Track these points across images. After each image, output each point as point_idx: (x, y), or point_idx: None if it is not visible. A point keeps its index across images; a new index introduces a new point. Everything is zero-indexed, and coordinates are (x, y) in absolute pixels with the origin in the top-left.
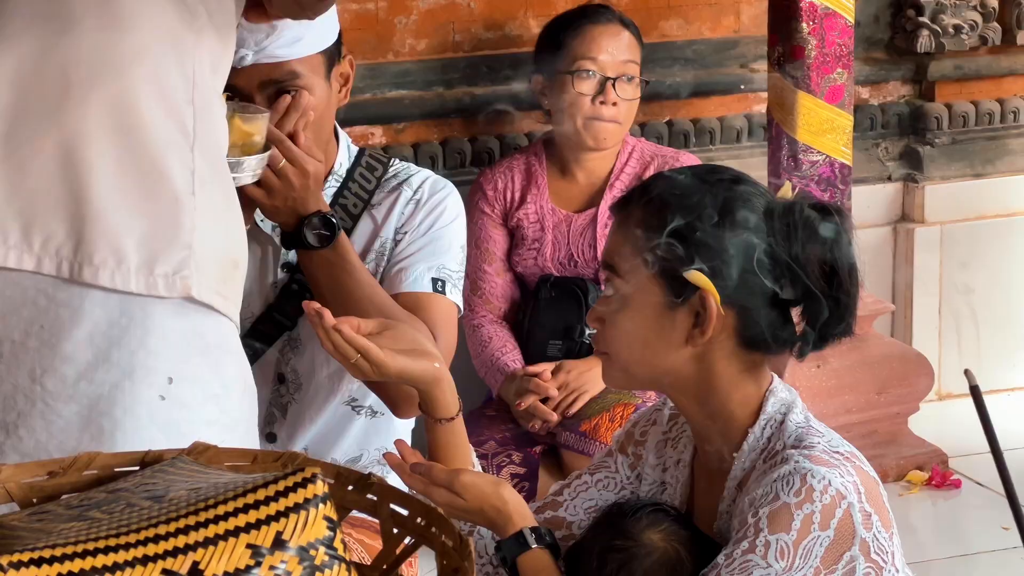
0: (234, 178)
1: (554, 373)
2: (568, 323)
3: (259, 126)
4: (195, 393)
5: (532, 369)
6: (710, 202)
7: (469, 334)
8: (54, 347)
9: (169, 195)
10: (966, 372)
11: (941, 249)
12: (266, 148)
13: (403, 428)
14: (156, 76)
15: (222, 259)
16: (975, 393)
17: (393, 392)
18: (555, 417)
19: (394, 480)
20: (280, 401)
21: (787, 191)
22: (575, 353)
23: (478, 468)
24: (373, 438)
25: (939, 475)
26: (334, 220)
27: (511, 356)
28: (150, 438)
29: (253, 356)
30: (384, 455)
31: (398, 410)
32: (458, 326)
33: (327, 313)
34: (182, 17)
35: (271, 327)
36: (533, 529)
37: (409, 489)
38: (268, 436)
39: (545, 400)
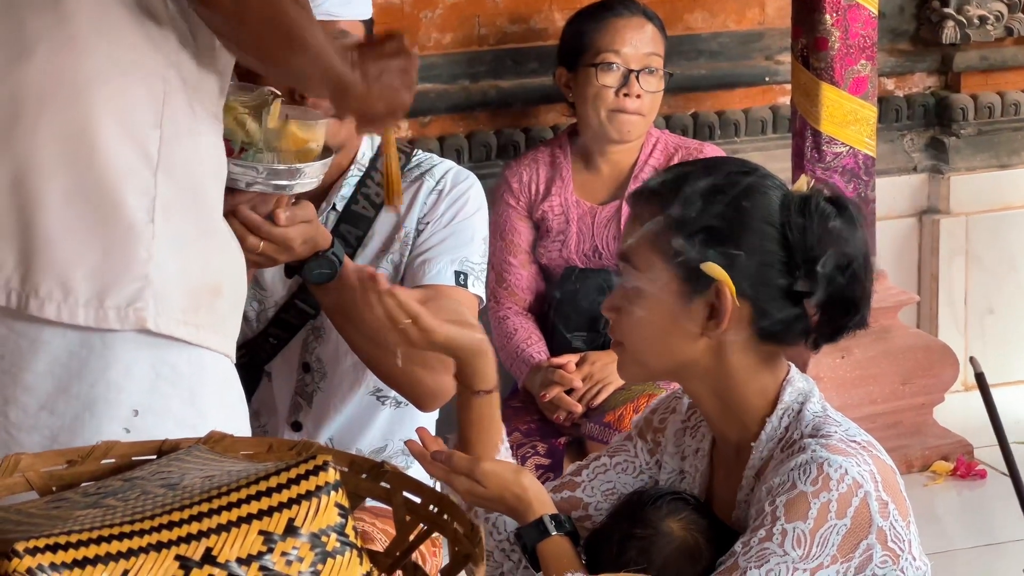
0: (290, 186)
1: (578, 364)
2: (593, 315)
3: (316, 133)
4: (164, 425)
5: (557, 360)
6: (726, 194)
7: (495, 326)
8: (15, 376)
9: (122, 224)
10: (971, 360)
11: (966, 240)
12: (326, 154)
13: (427, 419)
14: (115, 99)
15: (194, 287)
16: (980, 381)
17: (415, 386)
18: (580, 408)
19: (417, 470)
20: (306, 390)
21: (803, 184)
22: (599, 344)
23: (507, 445)
24: (398, 429)
25: (964, 465)
26: (335, 258)
27: (536, 348)
28: None
29: (277, 345)
30: (406, 443)
31: (422, 404)
32: (478, 319)
33: (381, 276)
34: (150, 36)
35: (295, 315)
36: (553, 516)
37: (431, 477)
38: (294, 425)
39: (570, 391)
